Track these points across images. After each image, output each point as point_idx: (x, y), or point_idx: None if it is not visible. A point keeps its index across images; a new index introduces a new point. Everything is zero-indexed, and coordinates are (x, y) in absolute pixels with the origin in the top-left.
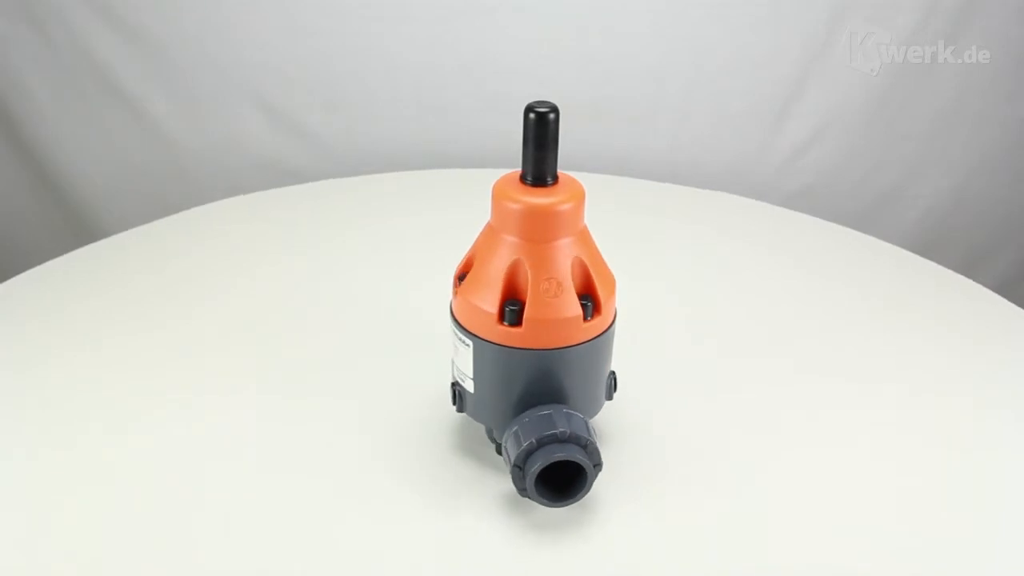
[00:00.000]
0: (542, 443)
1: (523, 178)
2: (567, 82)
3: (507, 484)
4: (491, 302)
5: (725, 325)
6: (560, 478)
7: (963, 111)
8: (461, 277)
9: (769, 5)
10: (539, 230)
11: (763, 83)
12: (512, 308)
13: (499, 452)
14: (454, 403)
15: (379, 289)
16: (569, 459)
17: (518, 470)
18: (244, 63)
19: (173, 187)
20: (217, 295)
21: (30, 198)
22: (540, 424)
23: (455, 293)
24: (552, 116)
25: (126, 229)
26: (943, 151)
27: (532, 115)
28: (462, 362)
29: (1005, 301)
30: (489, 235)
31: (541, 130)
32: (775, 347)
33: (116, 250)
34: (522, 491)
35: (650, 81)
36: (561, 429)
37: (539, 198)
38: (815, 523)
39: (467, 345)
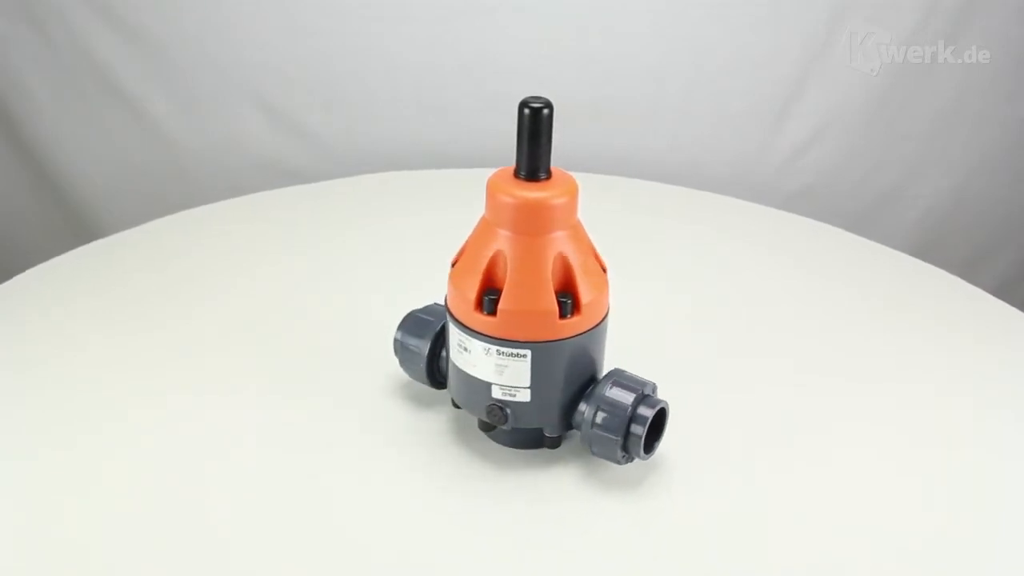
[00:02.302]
0: (634, 407)
1: (517, 173)
2: (567, 82)
3: (512, 472)
4: (548, 302)
5: (725, 325)
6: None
7: (963, 111)
8: (488, 295)
9: (769, 5)
10: (534, 224)
11: (763, 83)
12: (564, 300)
13: (552, 446)
14: (499, 424)
15: (379, 289)
16: (661, 407)
17: (620, 440)
18: (244, 63)
19: (173, 187)
20: (217, 295)
21: (30, 198)
22: (620, 394)
23: (488, 314)
24: (546, 111)
25: (126, 229)
26: (943, 151)
27: (526, 110)
28: (512, 378)
29: (1003, 303)
30: (493, 236)
31: (535, 125)
32: (775, 347)
33: (116, 250)
34: (623, 458)
35: (650, 81)
36: (642, 390)
37: (534, 192)
38: (815, 523)
39: (523, 357)
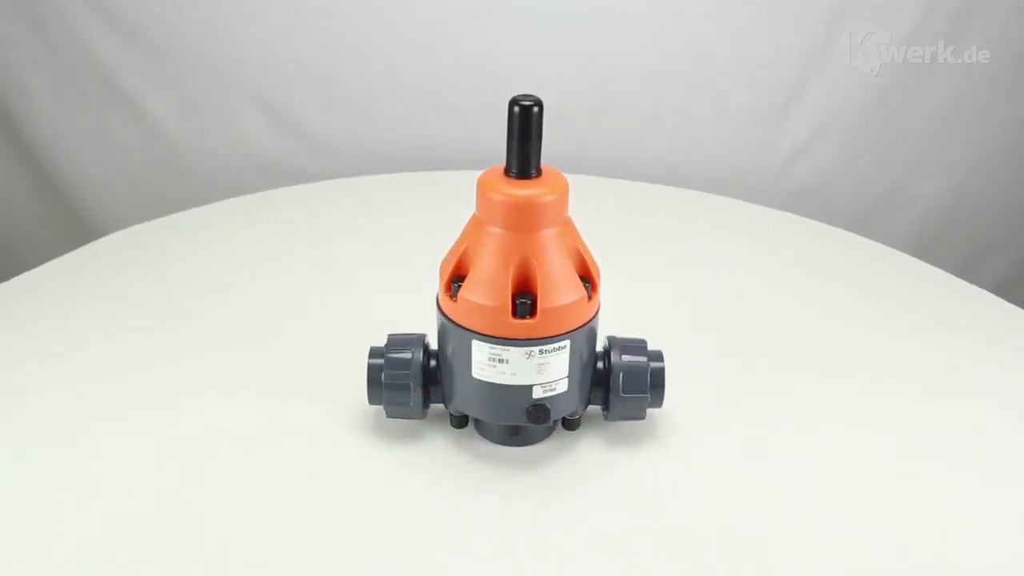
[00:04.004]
0: (648, 364)
1: (507, 171)
2: (567, 82)
3: (512, 471)
4: (579, 290)
5: (725, 326)
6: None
7: (963, 111)
8: (521, 299)
9: (769, 5)
10: (525, 221)
11: (763, 83)
12: (585, 284)
13: (573, 428)
14: (542, 423)
15: (379, 290)
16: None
17: (648, 398)
18: (244, 63)
19: (173, 187)
20: (217, 295)
21: (30, 198)
22: (635, 358)
23: (525, 318)
24: (536, 109)
25: (126, 228)
26: (943, 151)
27: (516, 108)
28: (553, 373)
29: (1005, 302)
30: (501, 241)
31: (525, 123)
32: (775, 347)
33: (116, 250)
34: (641, 417)
35: (650, 81)
36: (646, 348)
37: (524, 190)
38: (815, 522)
39: (563, 349)
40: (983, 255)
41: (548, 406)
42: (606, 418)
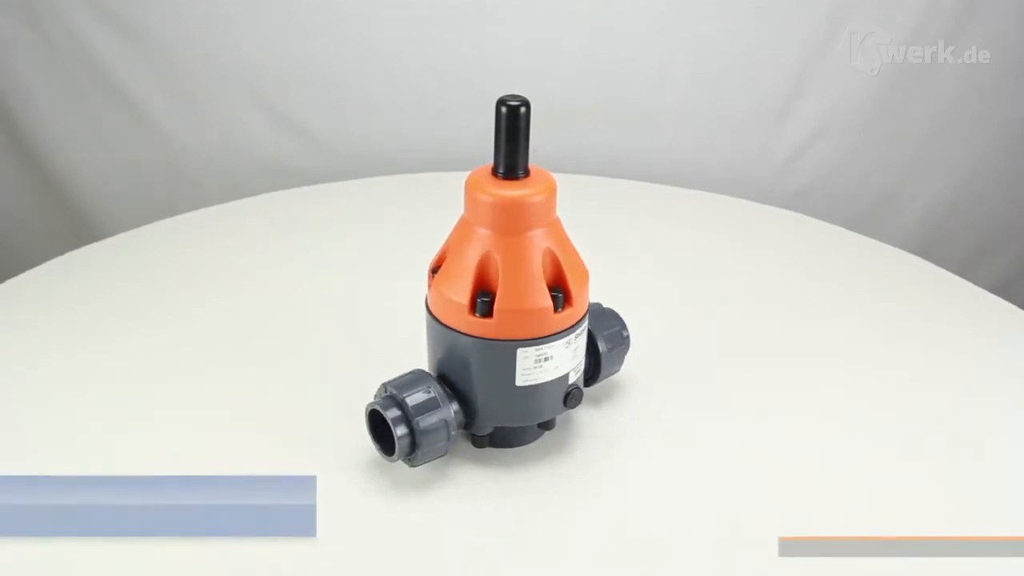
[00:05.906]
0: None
1: (495, 171)
2: (567, 82)
3: (511, 470)
4: (586, 274)
5: (725, 325)
6: None
7: (963, 111)
8: (556, 293)
9: (769, 5)
10: (512, 221)
11: (763, 83)
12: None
13: (571, 406)
14: (577, 404)
15: (381, 292)
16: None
17: (625, 348)
18: (244, 63)
19: (173, 187)
20: (217, 296)
21: (30, 198)
22: (606, 319)
23: (562, 309)
24: (523, 110)
25: (126, 229)
26: (943, 151)
27: (504, 108)
28: (579, 352)
29: (1005, 302)
30: (496, 242)
31: (512, 123)
32: (775, 347)
33: (116, 250)
34: (618, 369)
35: (650, 81)
36: (602, 308)
37: (511, 191)
38: (821, 524)
39: (584, 327)
40: (983, 255)
41: (580, 386)
42: (588, 384)
